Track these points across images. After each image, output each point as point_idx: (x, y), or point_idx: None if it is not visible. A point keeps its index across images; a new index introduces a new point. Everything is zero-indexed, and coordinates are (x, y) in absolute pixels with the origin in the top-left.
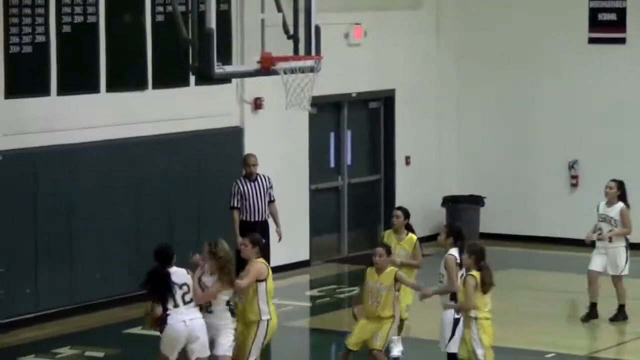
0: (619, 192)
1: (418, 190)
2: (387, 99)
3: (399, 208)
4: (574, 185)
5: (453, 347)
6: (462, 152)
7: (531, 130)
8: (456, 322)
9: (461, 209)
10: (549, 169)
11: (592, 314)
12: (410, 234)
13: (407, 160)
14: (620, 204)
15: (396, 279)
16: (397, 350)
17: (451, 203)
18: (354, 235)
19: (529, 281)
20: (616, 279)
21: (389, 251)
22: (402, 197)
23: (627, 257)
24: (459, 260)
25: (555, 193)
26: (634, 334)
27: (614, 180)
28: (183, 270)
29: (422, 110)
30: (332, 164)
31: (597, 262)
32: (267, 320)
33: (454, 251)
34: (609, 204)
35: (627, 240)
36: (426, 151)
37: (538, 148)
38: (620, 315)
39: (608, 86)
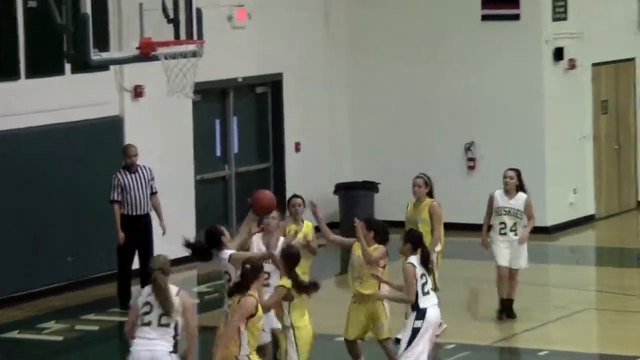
0: (518, 181)
1: (309, 177)
2: (274, 84)
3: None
4: (471, 168)
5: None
6: (355, 136)
7: (427, 113)
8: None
9: (355, 196)
10: (445, 152)
11: (506, 310)
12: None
13: (297, 147)
14: (524, 195)
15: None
16: None
17: (344, 190)
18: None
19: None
20: (515, 273)
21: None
22: (292, 186)
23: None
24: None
25: (451, 177)
26: (538, 321)
27: (512, 170)
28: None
29: (311, 94)
30: (218, 153)
31: (505, 256)
32: None
33: (414, 259)
34: (509, 194)
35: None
36: (317, 137)
37: (434, 130)
38: (512, 312)
39: (502, 64)
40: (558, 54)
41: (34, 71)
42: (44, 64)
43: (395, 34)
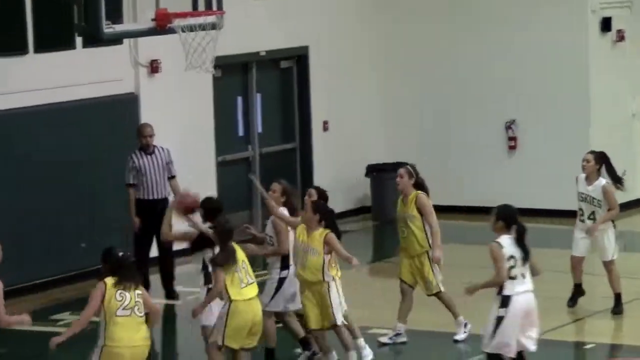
0: (599, 165)
1: (338, 159)
2: (300, 58)
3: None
4: (512, 148)
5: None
6: (388, 115)
7: (464, 90)
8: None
9: (387, 178)
10: (485, 132)
11: (577, 294)
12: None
13: (325, 126)
14: (602, 181)
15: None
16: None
17: (376, 172)
18: (267, 211)
19: (461, 256)
20: (607, 265)
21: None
22: (320, 168)
23: (615, 239)
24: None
25: (490, 157)
26: (584, 312)
27: (591, 152)
28: None
29: (340, 69)
30: (241, 132)
31: (581, 247)
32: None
33: (504, 238)
34: (589, 180)
35: (613, 221)
36: (346, 115)
37: (471, 109)
38: (618, 307)
39: (545, 37)
40: (605, 24)
41: (43, 45)
42: (54, 38)
43: (430, 4)
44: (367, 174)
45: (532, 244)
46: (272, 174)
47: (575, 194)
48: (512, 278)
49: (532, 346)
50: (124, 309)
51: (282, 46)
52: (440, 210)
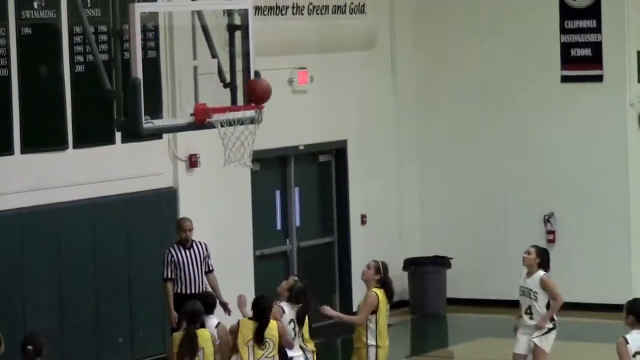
0: (539, 259)
1: (376, 252)
2: (338, 151)
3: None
4: (551, 242)
5: None
6: (425, 209)
7: (500, 182)
8: None
9: (425, 272)
10: (522, 224)
11: None
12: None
13: (363, 220)
14: (540, 273)
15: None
16: None
17: (414, 266)
18: None
19: (504, 350)
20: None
21: None
22: (358, 261)
23: (553, 338)
24: None
25: None
26: None
27: (534, 246)
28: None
29: (378, 163)
30: (279, 226)
31: (522, 343)
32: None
33: (632, 334)
34: (529, 273)
35: (553, 319)
36: (384, 209)
37: (509, 201)
38: None
39: (584, 129)
40: None
41: (82, 140)
42: (93, 133)
43: (468, 96)
44: (404, 267)
45: (576, 338)
46: (311, 267)
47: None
48: None
49: None
50: None
51: (320, 140)
52: (478, 304)
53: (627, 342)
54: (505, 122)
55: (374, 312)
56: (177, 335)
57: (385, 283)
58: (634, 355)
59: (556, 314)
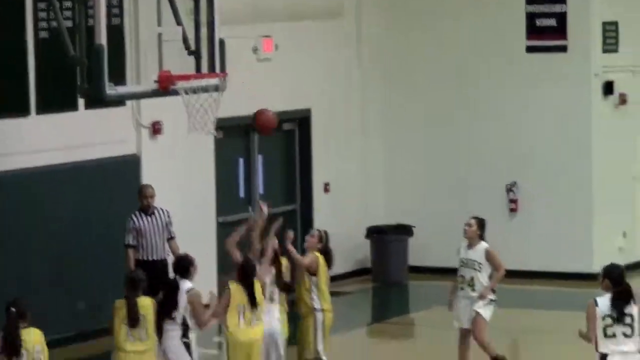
0: (480, 230)
1: (339, 220)
2: (302, 120)
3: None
4: (513, 211)
5: None
6: (388, 177)
7: (464, 151)
8: None
9: (388, 240)
10: (485, 194)
11: None
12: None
13: (327, 188)
14: (484, 245)
15: None
16: None
17: (376, 234)
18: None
19: None
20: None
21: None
22: (321, 229)
23: (493, 310)
24: None
25: (491, 220)
26: None
27: (474, 217)
28: None
29: (342, 131)
30: (242, 194)
31: (466, 317)
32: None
33: (601, 297)
34: (470, 245)
35: (494, 290)
36: (348, 177)
37: (472, 170)
38: None
39: (547, 99)
40: (608, 88)
41: (45, 106)
42: (56, 99)
43: (434, 66)
44: (367, 236)
45: (538, 306)
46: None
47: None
48: (609, 337)
49: None
50: None
51: (284, 108)
52: (440, 272)
53: (597, 305)
54: (469, 92)
55: (314, 274)
56: (118, 304)
57: (325, 251)
58: (603, 318)
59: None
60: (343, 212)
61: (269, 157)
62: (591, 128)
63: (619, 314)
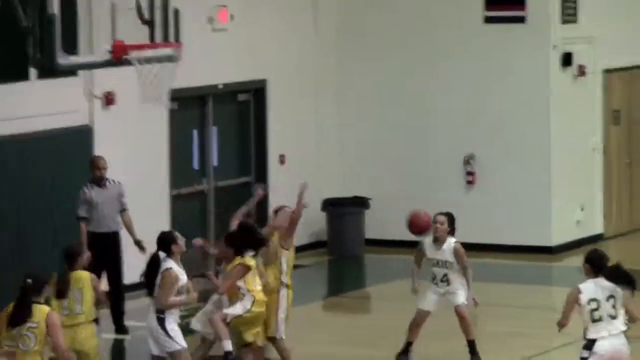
0: (450, 227)
1: (295, 192)
2: (257, 91)
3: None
4: (470, 183)
5: None
6: (345, 149)
7: (423, 122)
8: None
9: (344, 213)
10: (443, 166)
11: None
12: None
13: (282, 159)
14: (452, 241)
15: None
16: None
17: (332, 206)
18: (222, 246)
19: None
20: (459, 310)
21: None
22: (276, 201)
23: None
24: None
25: (448, 192)
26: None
27: (443, 214)
28: None
29: (298, 102)
30: (196, 166)
31: (432, 301)
32: None
33: (585, 283)
34: (438, 242)
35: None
36: (303, 149)
37: (430, 142)
38: (475, 355)
39: (506, 70)
40: (567, 59)
41: None
42: (7, 69)
43: (390, 37)
44: (323, 208)
45: (495, 279)
46: (228, 207)
47: (535, 228)
48: (596, 321)
49: None
50: None
51: (239, 79)
52: (397, 245)
53: (580, 292)
54: (427, 63)
55: (287, 248)
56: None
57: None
58: (588, 302)
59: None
60: (298, 184)
61: (224, 128)
62: (549, 100)
63: (607, 295)
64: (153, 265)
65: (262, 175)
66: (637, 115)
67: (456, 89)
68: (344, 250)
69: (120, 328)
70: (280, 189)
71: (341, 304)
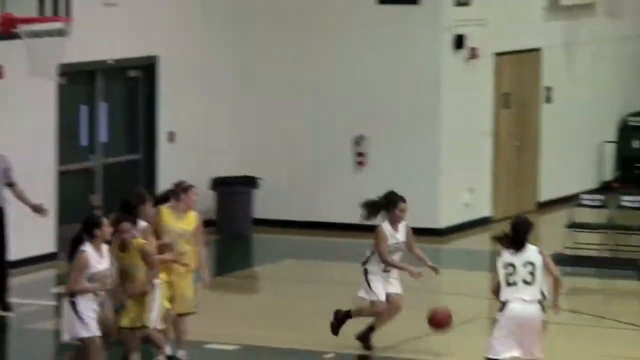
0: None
1: (184, 171)
2: (148, 67)
3: None
4: (360, 164)
5: None
6: (236, 128)
7: (313, 104)
8: None
9: (233, 192)
10: (333, 146)
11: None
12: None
13: (171, 137)
14: (404, 223)
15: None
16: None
17: (221, 185)
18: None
19: (309, 272)
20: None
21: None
22: (165, 179)
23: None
24: None
25: (338, 173)
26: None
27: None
28: None
29: (189, 80)
30: (84, 142)
31: (396, 286)
32: None
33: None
34: (395, 227)
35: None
36: (194, 126)
37: (320, 123)
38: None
39: (398, 52)
40: (459, 42)
41: None
42: None
43: (283, 15)
44: (212, 187)
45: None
46: (116, 184)
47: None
48: (510, 284)
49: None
50: None
51: (130, 55)
52: (285, 225)
53: (500, 255)
54: (319, 43)
55: None
56: None
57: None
58: (505, 267)
59: None
60: (188, 163)
61: (113, 104)
62: (440, 82)
63: (520, 261)
64: (74, 246)
65: (151, 153)
66: (526, 99)
67: (348, 70)
68: (233, 229)
69: (4, 305)
70: (170, 167)
71: (229, 284)
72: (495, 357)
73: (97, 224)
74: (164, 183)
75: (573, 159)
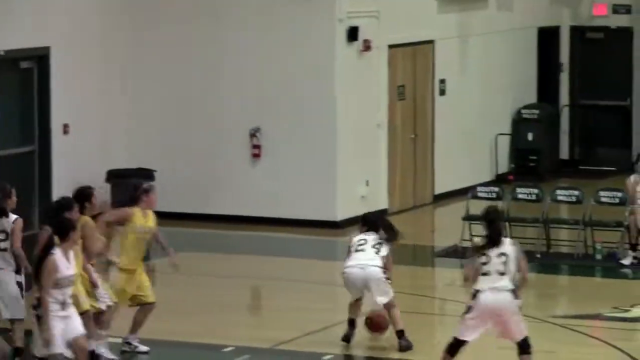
0: None
1: (79, 163)
2: (41, 58)
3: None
4: (256, 156)
5: None
6: (132, 120)
7: (209, 95)
8: None
9: (128, 184)
10: (229, 139)
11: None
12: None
13: (66, 129)
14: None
15: None
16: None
17: (116, 178)
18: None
19: (204, 266)
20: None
21: None
22: (60, 172)
23: None
24: None
25: (234, 165)
26: (323, 323)
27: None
28: None
29: (83, 71)
30: None
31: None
32: None
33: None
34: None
35: None
36: (88, 119)
37: (216, 115)
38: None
39: (292, 44)
40: (352, 34)
41: None
42: None
43: (178, 7)
44: (107, 179)
45: (282, 253)
46: (10, 177)
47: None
48: (484, 274)
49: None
50: None
51: (22, 46)
52: (181, 217)
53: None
54: (215, 35)
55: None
56: None
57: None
58: (479, 256)
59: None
60: (83, 155)
61: (5, 96)
62: (335, 74)
63: (495, 252)
64: (45, 249)
65: (45, 145)
66: (420, 91)
67: (243, 61)
68: None
69: None
70: (65, 159)
71: None
72: (462, 339)
73: (71, 227)
74: (58, 175)
75: (468, 151)
